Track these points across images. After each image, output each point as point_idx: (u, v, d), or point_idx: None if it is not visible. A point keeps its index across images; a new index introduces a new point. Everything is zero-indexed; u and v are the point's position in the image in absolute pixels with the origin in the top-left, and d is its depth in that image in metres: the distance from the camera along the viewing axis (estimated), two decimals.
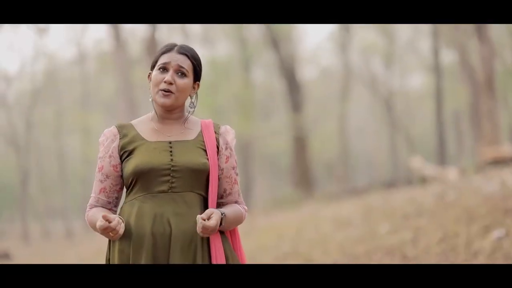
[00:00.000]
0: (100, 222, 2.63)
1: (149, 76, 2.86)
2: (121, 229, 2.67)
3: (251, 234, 10.89)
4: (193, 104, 2.89)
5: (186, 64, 2.81)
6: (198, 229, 2.65)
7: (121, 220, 2.68)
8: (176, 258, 2.70)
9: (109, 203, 2.86)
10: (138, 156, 2.77)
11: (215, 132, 2.89)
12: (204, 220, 2.65)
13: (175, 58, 2.80)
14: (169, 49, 2.83)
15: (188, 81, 2.81)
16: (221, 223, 2.74)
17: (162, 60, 2.81)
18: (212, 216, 2.67)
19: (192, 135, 2.86)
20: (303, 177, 22.00)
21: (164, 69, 2.80)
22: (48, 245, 24.36)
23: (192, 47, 2.87)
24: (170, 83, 2.77)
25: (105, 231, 2.64)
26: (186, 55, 2.82)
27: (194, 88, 2.87)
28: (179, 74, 2.80)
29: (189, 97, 2.87)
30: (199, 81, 2.88)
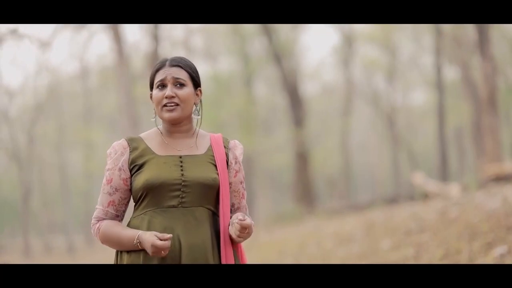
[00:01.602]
0: (161, 243, 2.61)
1: (151, 96, 2.88)
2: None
3: (253, 249, 10.86)
4: (197, 111, 2.90)
5: (182, 74, 2.83)
6: (235, 231, 2.68)
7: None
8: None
9: (117, 216, 2.85)
10: (149, 170, 2.77)
11: (225, 147, 2.91)
12: (242, 220, 2.67)
13: (169, 72, 2.82)
14: (161, 65, 2.85)
15: (188, 90, 2.82)
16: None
17: (158, 77, 2.83)
18: (245, 217, 2.70)
19: (201, 150, 2.87)
20: (305, 193, 21.96)
21: (162, 85, 2.82)
22: (50, 260, 24.30)
23: (183, 56, 2.90)
24: (172, 97, 2.79)
25: (165, 250, 2.63)
26: (179, 66, 2.84)
27: (197, 95, 2.88)
28: (178, 85, 2.81)
29: (194, 105, 2.88)
30: (200, 87, 2.89)
